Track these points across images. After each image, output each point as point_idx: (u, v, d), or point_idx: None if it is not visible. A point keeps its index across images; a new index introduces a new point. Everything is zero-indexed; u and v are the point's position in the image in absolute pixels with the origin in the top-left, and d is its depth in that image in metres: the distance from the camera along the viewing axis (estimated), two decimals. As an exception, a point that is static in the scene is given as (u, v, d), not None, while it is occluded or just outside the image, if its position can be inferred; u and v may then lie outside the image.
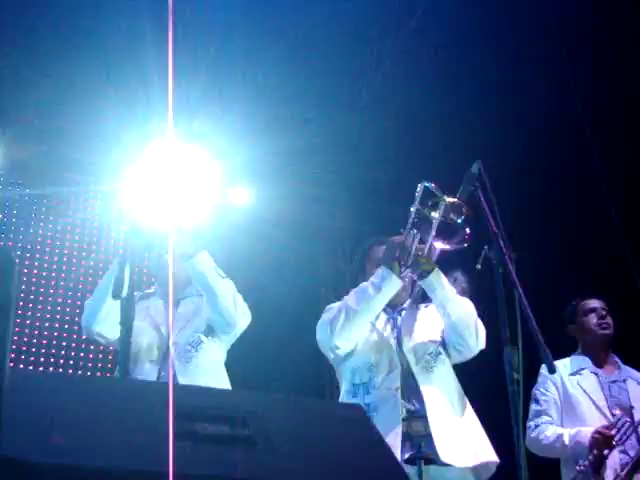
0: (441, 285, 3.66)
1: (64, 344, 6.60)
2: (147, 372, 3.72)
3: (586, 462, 4.06)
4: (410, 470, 3.11)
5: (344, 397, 3.76)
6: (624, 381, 4.39)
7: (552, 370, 2.89)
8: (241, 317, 3.82)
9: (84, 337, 4.06)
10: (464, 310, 3.69)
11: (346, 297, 3.82)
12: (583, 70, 5.49)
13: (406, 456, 3.38)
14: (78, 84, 5.74)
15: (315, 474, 1.80)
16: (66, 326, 6.61)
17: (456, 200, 3.45)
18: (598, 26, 5.35)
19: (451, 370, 3.79)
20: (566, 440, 4.21)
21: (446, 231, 3.57)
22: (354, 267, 4.12)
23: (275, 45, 5.43)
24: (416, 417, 3.54)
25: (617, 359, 4.54)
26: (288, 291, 5.98)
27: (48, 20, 5.39)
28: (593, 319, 4.53)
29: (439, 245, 3.60)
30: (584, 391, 4.33)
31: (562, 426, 4.33)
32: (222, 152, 5.70)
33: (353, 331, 3.70)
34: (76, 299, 6.55)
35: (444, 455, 3.44)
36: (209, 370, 3.79)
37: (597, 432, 4.09)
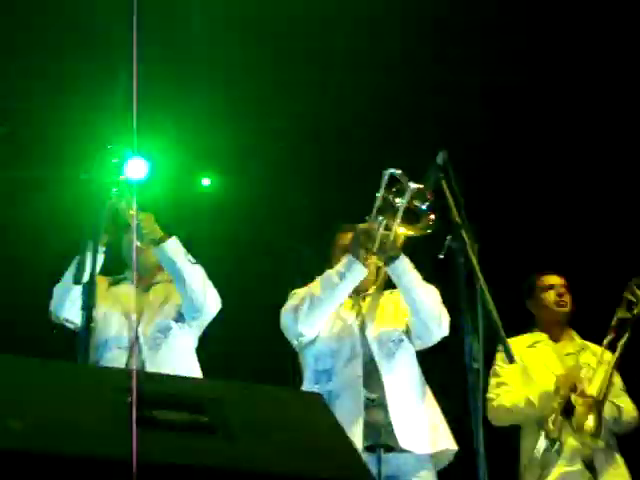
0: (407, 271, 3.68)
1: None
2: (115, 358, 3.70)
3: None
4: (370, 458, 3.14)
5: (306, 384, 3.77)
6: (579, 352, 4.39)
7: (511, 361, 2.92)
8: (211, 303, 3.81)
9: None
10: (429, 297, 3.72)
11: (311, 284, 3.83)
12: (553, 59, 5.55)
13: (366, 444, 3.41)
14: (38, 67, 5.67)
15: (272, 461, 1.80)
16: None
17: (421, 186, 3.48)
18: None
19: (414, 357, 3.82)
20: (533, 397, 4.17)
21: (411, 217, 3.61)
22: (320, 253, 4.13)
23: (236, 30, 5.40)
24: (377, 406, 3.57)
25: (574, 334, 4.52)
26: (252, 276, 5.97)
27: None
28: (551, 296, 4.48)
29: (404, 231, 3.63)
30: (542, 363, 4.33)
31: None
32: (187, 137, 5.68)
33: (317, 319, 3.72)
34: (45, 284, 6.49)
35: (403, 442, 3.48)
36: (178, 357, 3.77)
37: (561, 375, 4.15)
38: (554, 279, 4.55)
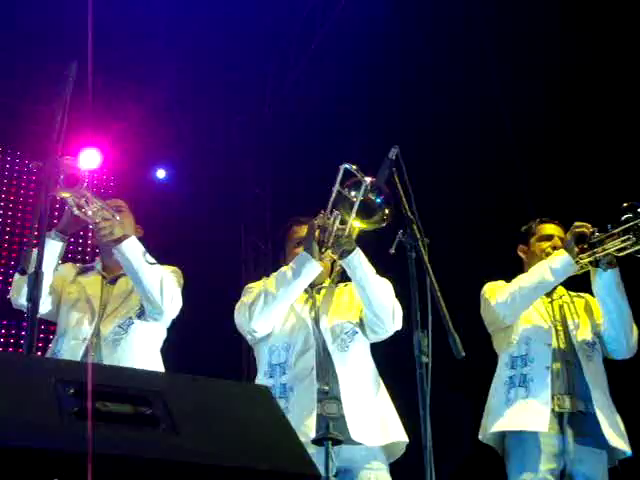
0: (361, 265, 3.69)
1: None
2: (73, 350, 3.68)
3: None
4: (320, 450, 3.14)
5: (261, 378, 3.78)
6: (561, 298, 4.30)
7: (459, 356, 2.94)
8: (168, 305, 3.76)
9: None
10: (383, 291, 3.74)
11: (266, 280, 3.83)
12: (503, 57, 5.60)
13: (317, 436, 3.42)
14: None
15: (217, 454, 1.81)
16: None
17: (374, 180, 3.50)
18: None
19: (367, 350, 3.85)
20: (547, 262, 4.09)
21: (366, 211, 3.62)
22: (275, 247, 4.14)
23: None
24: (330, 398, 3.60)
25: (560, 285, 4.32)
26: (208, 270, 5.96)
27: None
28: (545, 246, 4.29)
29: (359, 225, 3.64)
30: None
31: (513, 332, 4.20)
32: (141, 130, 5.65)
33: (272, 316, 3.72)
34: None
35: (355, 434, 3.50)
36: (138, 353, 3.74)
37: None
38: (553, 228, 4.37)
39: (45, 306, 3.81)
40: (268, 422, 1.98)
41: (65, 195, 3.57)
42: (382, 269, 3.79)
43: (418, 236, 3.15)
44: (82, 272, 4.00)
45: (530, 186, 6.03)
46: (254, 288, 3.86)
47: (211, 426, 1.88)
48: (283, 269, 3.74)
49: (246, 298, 3.81)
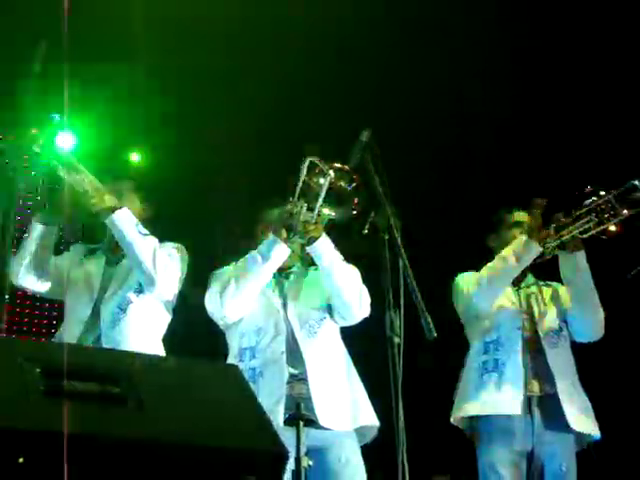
0: (327, 252, 3.70)
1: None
2: (71, 331, 3.65)
3: None
4: (290, 431, 3.15)
5: (230, 361, 3.77)
6: (529, 286, 4.31)
7: (430, 336, 2.95)
8: (161, 275, 3.67)
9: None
10: (349, 277, 3.74)
11: (235, 265, 3.82)
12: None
13: (286, 416, 3.44)
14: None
15: (184, 432, 1.81)
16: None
17: (345, 167, 3.50)
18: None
19: (336, 335, 3.84)
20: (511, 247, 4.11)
21: (335, 199, 3.63)
22: (246, 230, 4.12)
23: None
24: (298, 380, 3.60)
25: (529, 273, 4.35)
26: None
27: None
28: (515, 234, 4.27)
29: (328, 213, 3.66)
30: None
31: (485, 319, 4.20)
32: (116, 113, 5.62)
33: (243, 300, 3.71)
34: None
35: (323, 419, 3.51)
36: (138, 335, 3.68)
37: None
38: (522, 216, 4.33)
39: (44, 285, 3.85)
40: (237, 401, 1.98)
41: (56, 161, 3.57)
42: (353, 250, 3.80)
43: (390, 217, 3.15)
44: (89, 253, 3.97)
45: (504, 173, 6.06)
46: (224, 274, 3.85)
47: (179, 405, 1.88)
48: (252, 253, 3.73)
49: (216, 285, 3.78)
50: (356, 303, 3.73)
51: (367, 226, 3.22)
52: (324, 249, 3.70)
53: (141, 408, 1.82)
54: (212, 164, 6.31)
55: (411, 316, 3.04)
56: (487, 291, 4.15)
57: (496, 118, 5.95)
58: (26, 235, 3.78)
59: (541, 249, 4.09)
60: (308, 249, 3.73)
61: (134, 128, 6.09)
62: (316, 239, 3.67)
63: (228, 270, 3.85)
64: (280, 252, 3.66)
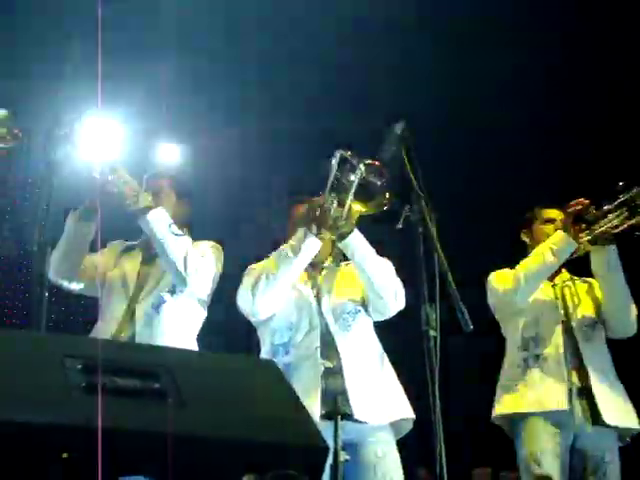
0: (359, 247, 3.69)
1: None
2: (106, 330, 3.67)
3: None
4: (327, 425, 3.15)
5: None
6: (565, 283, 4.32)
7: (467, 329, 2.94)
8: (193, 276, 3.68)
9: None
10: (383, 272, 3.73)
11: (266, 261, 3.82)
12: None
13: (323, 412, 3.43)
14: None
15: (224, 426, 1.81)
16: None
17: (376, 163, 3.50)
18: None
19: (371, 328, 3.84)
20: (547, 243, 4.11)
21: (366, 194, 3.62)
22: (276, 226, 4.13)
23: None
24: (333, 373, 3.60)
25: (564, 269, 4.35)
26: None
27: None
28: (548, 230, 4.27)
29: (359, 208, 3.65)
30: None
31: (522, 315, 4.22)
32: (149, 109, 5.63)
33: (274, 296, 3.70)
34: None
35: (358, 413, 3.50)
36: (172, 333, 3.69)
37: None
38: (555, 213, 4.35)
39: (79, 284, 3.87)
40: (276, 395, 1.98)
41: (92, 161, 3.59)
42: (388, 245, 3.78)
43: (426, 211, 3.14)
44: (126, 250, 3.99)
45: (539, 168, 6.01)
46: (255, 269, 3.85)
47: (219, 400, 1.88)
48: (283, 248, 3.72)
49: (247, 281, 3.77)
50: (391, 296, 3.72)
51: (402, 219, 3.20)
52: (356, 244, 3.68)
53: (181, 403, 1.82)
54: (248, 160, 6.33)
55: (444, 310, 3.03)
56: (525, 288, 4.14)
57: (533, 112, 5.91)
58: (64, 233, 3.78)
59: (577, 244, 4.07)
60: (340, 245, 3.72)
61: (171, 123, 6.11)
62: (348, 234, 3.66)
63: (260, 265, 3.86)
64: (311, 246, 3.65)
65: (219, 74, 5.85)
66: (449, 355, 3.01)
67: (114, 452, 1.67)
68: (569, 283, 4.34)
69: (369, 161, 3.52)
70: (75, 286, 3.89)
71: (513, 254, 4.37)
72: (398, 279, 3.76)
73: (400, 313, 3.81)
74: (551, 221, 4.34)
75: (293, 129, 6.05)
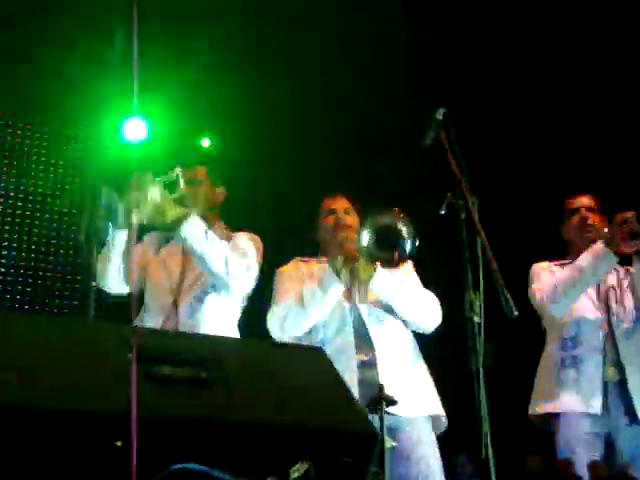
0: (384, 289, 3.72)
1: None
2: (153, 321, 3.68)
3: None
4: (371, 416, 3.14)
5: None
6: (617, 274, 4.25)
7: (511, 315, 2.91)
8: (235, 282, 3.66)
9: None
10: (412, 306, 3.77)
11: (296, 291, 3.79)
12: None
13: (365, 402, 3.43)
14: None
15: (275, 415, 1.82)
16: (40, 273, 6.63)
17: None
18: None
19: (405, 324, 3.84)
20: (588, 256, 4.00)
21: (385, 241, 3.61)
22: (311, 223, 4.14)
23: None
24: (369, 365, 3.61)
25: None
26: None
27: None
28: (575, 221, 4.20)
29: (376, 254, 3.64)
30: None
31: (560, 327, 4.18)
32: (187, 97, 5.65)
33: (303, 328, 3.74)
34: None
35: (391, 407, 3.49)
36: (214, 324, 3.68)
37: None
38: (579, 201, 4.23)
39: (121, 286, 3.78)
40: (325, 383, 1.98)
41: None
42: (431, 230, 3.75)
43: (468, 197, 3.11)
44: (166, 242, 3.92)
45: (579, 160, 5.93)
46: (286, 288, 3.85)
47: (267, 387, 1.88)
48: (311, 287, 3.71)
49: (277, 311, 3.78)
50: (426, 321, 3.80)
51: (444, 206, 3.18)
52: (380, 287, 3.71)
53: (229, 391, 1.83)
54: (282, 150, 6.33)
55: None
56: (562, 301, 4.10)
57: (575, 106, 5.85)
58: (108, 241, 3.68)
59: (617, 259, 4.00)
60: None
61: (207, 113, 6.12)
62: (370, 278, 3.68)
63: (290, 276, 3.90)
64: (337, 289, 3.68)
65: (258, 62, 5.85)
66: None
67: (166, 440, 1.69)
68: (613, 280, 4.23)
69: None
70: (124, 290, 3.80)
71: (556, 240, 4.32)
72: (434, 300, 3.81)
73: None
74: (577, 211, 4.24)
75: (335, 125, 6.04)
